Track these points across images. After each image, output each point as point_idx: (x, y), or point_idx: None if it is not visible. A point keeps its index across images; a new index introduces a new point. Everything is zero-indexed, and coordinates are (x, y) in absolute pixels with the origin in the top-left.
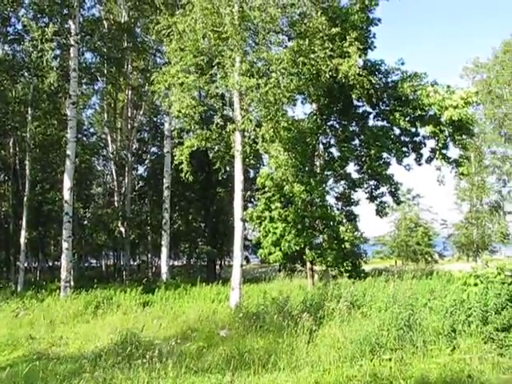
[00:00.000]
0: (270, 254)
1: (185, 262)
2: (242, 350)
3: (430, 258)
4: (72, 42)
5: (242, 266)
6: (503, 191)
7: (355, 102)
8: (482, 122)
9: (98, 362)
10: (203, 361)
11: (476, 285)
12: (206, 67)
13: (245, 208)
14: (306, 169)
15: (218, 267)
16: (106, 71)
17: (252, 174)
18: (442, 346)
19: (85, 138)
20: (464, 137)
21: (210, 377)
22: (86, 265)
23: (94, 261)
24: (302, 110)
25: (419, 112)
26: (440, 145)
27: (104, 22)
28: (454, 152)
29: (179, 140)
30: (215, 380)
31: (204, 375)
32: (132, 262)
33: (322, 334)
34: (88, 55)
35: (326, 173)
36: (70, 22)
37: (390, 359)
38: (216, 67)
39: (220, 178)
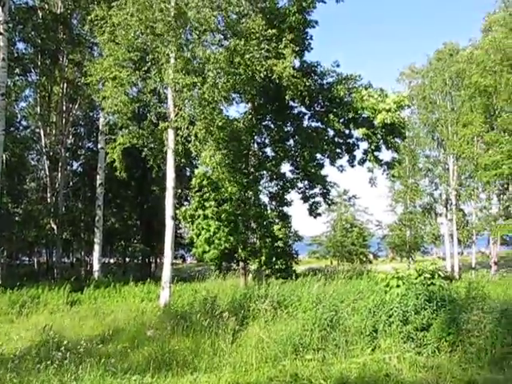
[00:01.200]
0: (204, 252)
1: (120, 261)
2: (166, 350)
3: (364, 258)
4: (1, 30)
5: (172, 264)
6: (435, 194)
7: (290, 103)
8: (416, 127)
9: (13, 365)
10: (125, 362)
11: (398, 286)
12: (141, 62)
13: (181, 206)
14: (241, 167)
15: (153, 265)
16: (39, 63)
17: (188, 173)
18: (363, 345)
19: (17, 132)
20: (396, 140)
21: (130, 378)
22: (18, 262)
23: (27, 258)
24: (236, 109)
25: (353, 114)
26: (372, 147)
27: (38, 11)
28: (387, 155)
29: (112, 136)
30: (134, 382)
31: (123, 377)
32: (66, 260)
33: (246, 335)
34: (21, 45)
35: (259, 172)
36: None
37: (312, 359)
38: (150, 63)
39: (156, 176)
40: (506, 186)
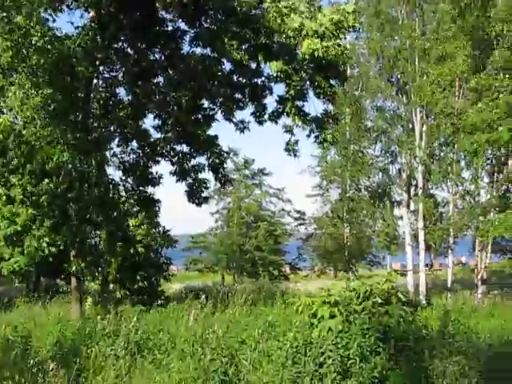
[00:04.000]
0: (2, 259)
1: None
2: None
3: (276, 272)
4: None
5: None
6: (391, 169)
7: (161, 14)
8: (364, 61)
9: None
10: None
11: (333, 317)
12: None
13: None
14: (76, 119)
15: None
16: None
17: None
18: None
19: None
20: (332, 82)
21: None
22: None
23: None
24: (68, 20)
25: (264, 38)
26: (293, 92)
27: None
28: (317, 106)
29: None
30: None
31: None
32: None
33: None
34: None
35: (107, 128)
36: None
37: None
38: None
39: None
40: (502, 159)
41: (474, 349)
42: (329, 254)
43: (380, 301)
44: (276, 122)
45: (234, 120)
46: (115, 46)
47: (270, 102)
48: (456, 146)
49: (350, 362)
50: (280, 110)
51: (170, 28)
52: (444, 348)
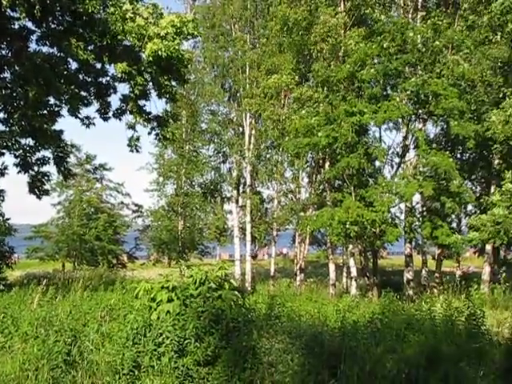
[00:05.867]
0: None
1: None
2: None
3: (115, 261)
4: None
5: None
6: (223, 168)
7: (8, 12)
8: (200, 68)
9: None
10: None
11: (170, 301)
12: None
13: None
14: None
15: None
16: None
17: None
18: None
19: None
20: (173, 83)
21: None
22: None
23: None
24: None
25: (109, 40)
26: (137, 91)
27: None
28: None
29: None
30: None
31: None
32: None
33: None
34: None
35: None
36: None
37: None
38: None
39: None
40: (320, 162)
41: (296, 329)
42: (164, 245)
43: (214, 286)
44: (120, 119)
45: (80, 116)
46: None
47: (115, 101)
48: (281, 149)
49: (186, 341)
50: (124, 108)
51: (16, 26)
52: (270, 328)
